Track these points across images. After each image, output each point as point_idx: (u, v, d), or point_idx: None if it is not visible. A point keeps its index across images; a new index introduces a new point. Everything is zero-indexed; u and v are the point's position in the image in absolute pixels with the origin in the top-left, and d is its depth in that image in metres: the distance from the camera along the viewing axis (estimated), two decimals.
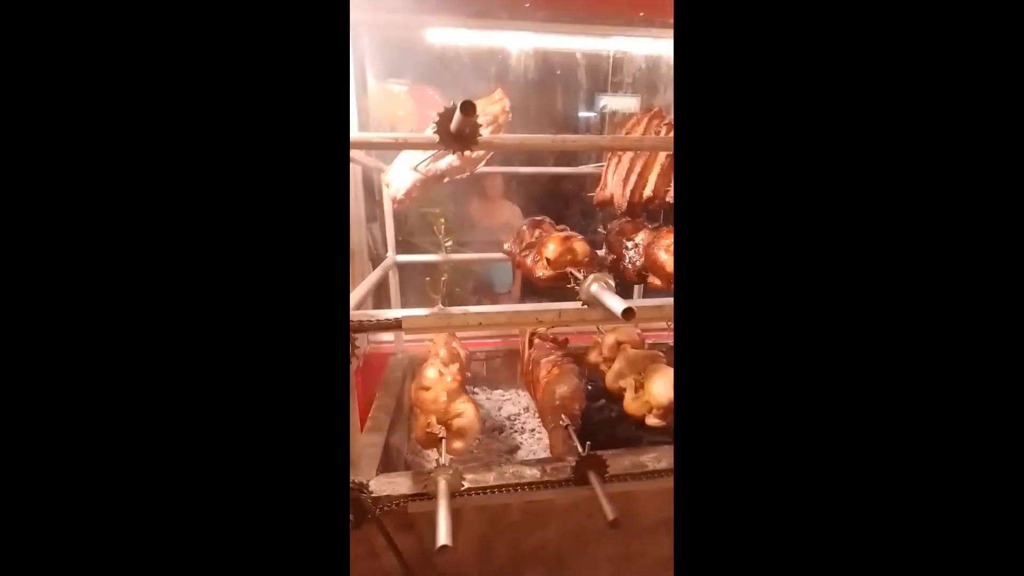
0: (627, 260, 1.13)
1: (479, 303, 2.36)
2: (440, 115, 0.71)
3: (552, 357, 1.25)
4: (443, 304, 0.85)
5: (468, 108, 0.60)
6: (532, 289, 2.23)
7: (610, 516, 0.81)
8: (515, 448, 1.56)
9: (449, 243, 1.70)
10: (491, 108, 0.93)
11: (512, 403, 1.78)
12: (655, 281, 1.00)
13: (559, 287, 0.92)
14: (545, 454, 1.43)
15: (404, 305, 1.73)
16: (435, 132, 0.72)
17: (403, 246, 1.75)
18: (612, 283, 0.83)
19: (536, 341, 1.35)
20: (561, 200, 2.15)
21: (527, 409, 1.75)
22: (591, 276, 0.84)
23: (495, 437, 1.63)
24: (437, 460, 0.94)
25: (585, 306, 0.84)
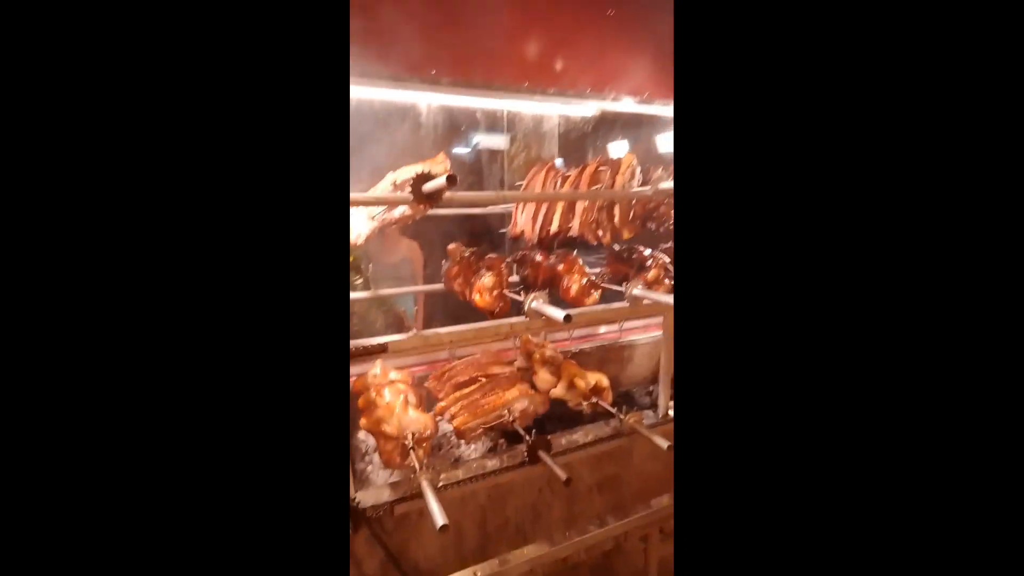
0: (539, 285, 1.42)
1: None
2: (415, 179, 0.91)
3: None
4: (417, 330, 1.03)
5: (452, 180, 0.82)
6: (440, 317, 2.41)
7: (564, 477, 1.05)
8: (457, 460, 1.72)
9: (360, 280, 1.83)
10: (436, 168, 1.15)
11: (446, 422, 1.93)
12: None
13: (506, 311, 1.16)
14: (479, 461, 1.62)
15: None
16: (410, 191, 0.92)
17: None
18: (545, 296, 1.10)
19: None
20: (466, 235, 2.39)
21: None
22: (531, 296, 1.09)
23: (435, 455, 1.76)
24: (414, 468, 1.09)
25: (528, 318, 1.10)
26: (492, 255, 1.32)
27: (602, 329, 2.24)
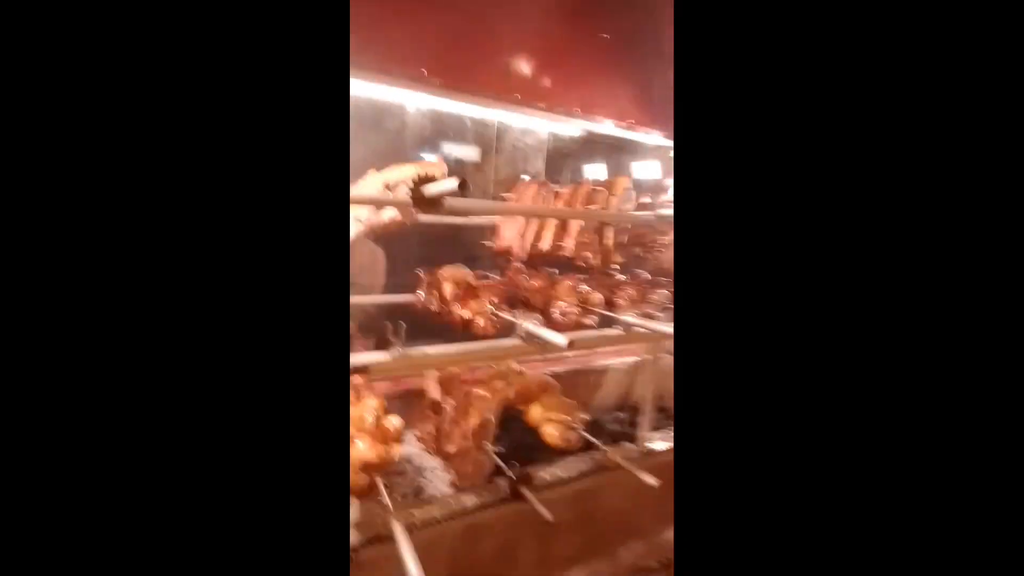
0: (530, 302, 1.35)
1: (364, 346, 2.30)
2: (415, 183, 0.82)
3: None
4: (400, 347, 0.91)
5: (464, 186, 0.74)
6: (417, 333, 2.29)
7: (549, 517, 0.96)
8: (419, 490, 1.58)
9: None
10: (434, 172, 1.05)
11: (408, 444, 1.79)
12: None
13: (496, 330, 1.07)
14: (447, 489, 1.49)
15: None
16: (410, 196, 0.82)
17: None
18: (540, 319, 1.03)
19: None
20: (433, 244, 2.27)
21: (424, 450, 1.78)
22: (523, 318, 1.01)
23: (396, 480, 1.62)
24: (387, 505, 0.96)
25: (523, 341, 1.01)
26: (463, 274, 1.22)
27: (569, 352, 2.19)
